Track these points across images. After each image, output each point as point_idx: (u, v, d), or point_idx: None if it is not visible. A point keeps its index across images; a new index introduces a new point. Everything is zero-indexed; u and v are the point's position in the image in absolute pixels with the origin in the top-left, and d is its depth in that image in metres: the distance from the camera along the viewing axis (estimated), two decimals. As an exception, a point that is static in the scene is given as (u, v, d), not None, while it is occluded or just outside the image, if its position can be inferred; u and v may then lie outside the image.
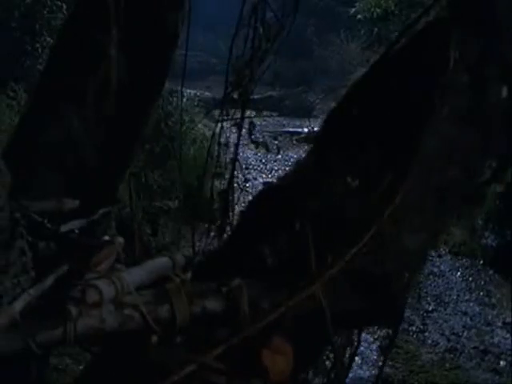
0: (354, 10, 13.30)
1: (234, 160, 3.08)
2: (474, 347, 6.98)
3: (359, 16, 13.16)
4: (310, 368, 2.18)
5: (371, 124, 2.08)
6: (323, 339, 2.02)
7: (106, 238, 2.04)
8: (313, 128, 11.81)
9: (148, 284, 1.90)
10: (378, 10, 12.77)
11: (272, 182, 2.17)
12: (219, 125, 3.66)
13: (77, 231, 2.28)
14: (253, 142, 3.87)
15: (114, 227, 2.76)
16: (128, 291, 1.78)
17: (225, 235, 3.07)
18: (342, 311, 1.99)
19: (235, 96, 3.07)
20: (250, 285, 1.89)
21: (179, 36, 2.86)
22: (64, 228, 2.21)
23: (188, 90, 10.73)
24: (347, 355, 2.36)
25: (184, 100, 9.20)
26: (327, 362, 2.19)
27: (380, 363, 5.80)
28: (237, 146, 3.28)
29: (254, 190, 10.10)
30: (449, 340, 7.11)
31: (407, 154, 2.01)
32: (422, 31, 2.14)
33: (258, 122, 13.69)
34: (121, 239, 2.00)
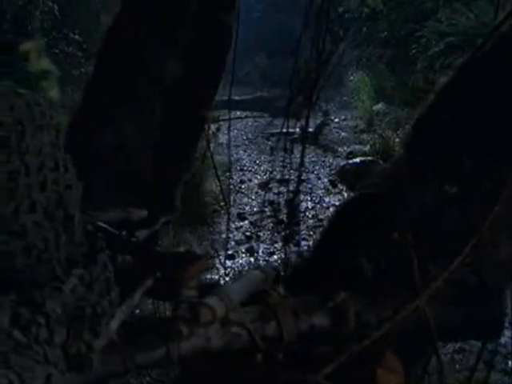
0: (341, 9, 13.26)
1: (300, 166, 2.99)
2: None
3: (347, 15, 13.14)
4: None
5: (465, 130, 2.01)
6: (424, 353, 1.95)
7: (195, 251, 1.94)
8: (306, 128, 11.78)
9: (245, 299, 1.82)
10: (367, 10, 12.78)
11: (360, 191, 2.09)
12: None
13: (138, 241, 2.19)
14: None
15: (171, 236, 2.67)
16: (235, 308, 1.69)
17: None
18: (442, 324, 1.92)
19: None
20: (353, 298, 1.81)
21: (232, 36, 2.80)
22: (136, 238, 2.12)
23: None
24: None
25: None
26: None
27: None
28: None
29: (249, 191, 10.02)
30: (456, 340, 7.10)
31: (505, 161, 1.94)
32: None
33: (250, 123, 13.61)
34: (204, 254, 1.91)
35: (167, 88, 2.50)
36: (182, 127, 2.58)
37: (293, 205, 3.09)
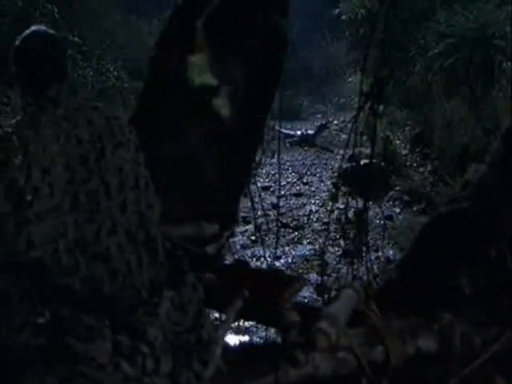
0: (337, 10, 13.21)
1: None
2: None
3: (343, 17, 13.07)
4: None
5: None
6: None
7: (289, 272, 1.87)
8: (306, 131, 11.71)
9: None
10: (363, 11, 12.69)
11: (448, 206, 2.01)
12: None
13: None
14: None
15: (232, 249, 2.61)
16: (344, 333, 1.61)
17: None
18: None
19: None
20: (457, 319, 1.74)
21: (288, 41, 2.77)
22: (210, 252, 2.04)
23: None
24: None
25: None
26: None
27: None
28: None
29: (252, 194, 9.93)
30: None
31: None
32: None
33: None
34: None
35: (231, 97, 2.44)
36: (244, 140, 2.52)
37: (362, 217, 3.01)
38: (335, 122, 12.78)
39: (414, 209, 8.75)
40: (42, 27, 2.22)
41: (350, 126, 12.79)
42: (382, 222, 7.43)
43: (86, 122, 1.89)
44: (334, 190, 9.63)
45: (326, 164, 10.61)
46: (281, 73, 2.63)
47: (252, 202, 8.31)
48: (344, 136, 11.98)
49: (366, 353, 1.62)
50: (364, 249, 2.90)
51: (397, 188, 9.65)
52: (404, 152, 10.42)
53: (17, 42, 2.14)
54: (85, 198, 1.75)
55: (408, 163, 10.25)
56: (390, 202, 9.57)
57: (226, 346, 1.60)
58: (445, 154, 9.72)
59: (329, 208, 9.36)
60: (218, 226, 2.15)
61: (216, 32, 2.48)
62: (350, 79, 12.53)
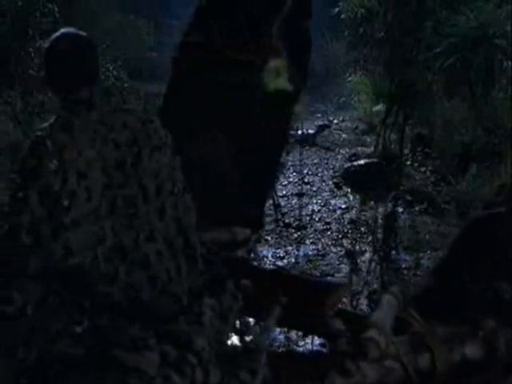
0: (337, 9, 13.17)
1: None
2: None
3: (343, 16, 13.04)
4: None
5: None
6: None
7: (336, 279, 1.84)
8: (307, 130, 11.67)
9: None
10: (362, 10, 12.66)
11: (485, 211, 1.98)
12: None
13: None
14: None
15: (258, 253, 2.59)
16: (392, 341, 1.59)
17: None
18: None
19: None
20: (501, 327, 1.71)
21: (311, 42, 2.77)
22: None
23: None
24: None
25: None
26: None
27: None
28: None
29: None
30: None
31: None
32: None
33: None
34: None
35: (259, 98, 2.42)
36: (270, 142, 2.49)
37: (391, 222, 2.97)
38: (335, 121, 12.77)
39: (417, 208, 8.74)
40: (72, 29, 2.17)
41: (349, 125, 12.76)
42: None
43: (121, 125, 1.85)
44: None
45: (327, 163, 10.59)
46: (306, 73, 2.61)
47: (274, 202, 8.30)
48: (344, 135, 11.96)
49: (412, 361, 1.59)
50: (393, 252, 2.87)
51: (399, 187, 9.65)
52: (405, 152, 10.41)
53: (46, 44, 2.09)
54: (122, 202, 1.72)
55: (409, 163, 10.24)
56: (393, 202, 9.56)
57: (269, 354, 1.57)
58: (446, 153, 9.72)
59: (331, 208, 9.34)
60: (250, 231, 2.12)
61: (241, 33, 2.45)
62: (349, 78, 12.51)
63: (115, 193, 1.75)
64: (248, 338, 1.58)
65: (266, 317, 1.68)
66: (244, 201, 2.40)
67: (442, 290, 2.01)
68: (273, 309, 1.69)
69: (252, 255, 2.35)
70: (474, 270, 1.93)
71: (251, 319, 1.70)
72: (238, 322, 1.66)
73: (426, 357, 1.61)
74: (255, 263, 2.47)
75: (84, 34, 2.13)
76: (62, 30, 2.12)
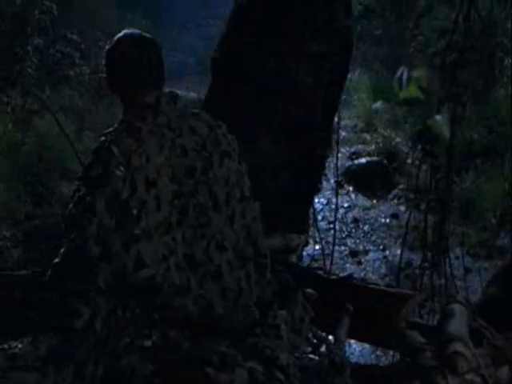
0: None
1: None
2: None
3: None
4: None
5: None
6: None
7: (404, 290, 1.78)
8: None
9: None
10: (360, 8, 12.60)
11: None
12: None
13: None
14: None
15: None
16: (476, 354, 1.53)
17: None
18: None
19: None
20: None
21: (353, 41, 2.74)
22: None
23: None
24: None
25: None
26: None
27: None
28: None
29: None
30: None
31: None
32: None
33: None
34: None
35: (301, 101, 2.37)
36: (315, 144, 2.44)
37: (442, 227, 2.92)
38: (335, 119, 12.71)
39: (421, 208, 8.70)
40: (137, 30, 2.06)
41: (349, 123, 12.71)
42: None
43: (189, 130, 1.77)
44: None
45: (328, 162, 10.53)
46: (347, 72, 2.57)
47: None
48: (344, 133, 11.92)
49: (493, 374, 1.53)
50: (444, 257, 2.81)
51: (400, 186, 9.63)
52: (405, 150, 10.40)
53: (108, 46, 1.99)
54: (193, 211, 1.64)
55: (409, 161, 10.22)
56: (395, 201, 9.52)
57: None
58: (448, 151, 9.68)
59: (333, 206, 9.29)
60: (304, 236, 2.05)
61: (284, 35, 2.41)
62: (348, 76, 12.45)
63: (186, 201, 1.67)
64: (336, 354, 1.51)
65: (335, 329, 1.61)
66: (293, 205, 2.34)
67: (508, 298, 1.96)
68: (342, 320, 1.62)
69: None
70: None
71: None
72: (310, 335, 1.59)
73: (505, 370, 1.55)
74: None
75: (149, 35, 2.02)
76: (126, 31, 2.00)
